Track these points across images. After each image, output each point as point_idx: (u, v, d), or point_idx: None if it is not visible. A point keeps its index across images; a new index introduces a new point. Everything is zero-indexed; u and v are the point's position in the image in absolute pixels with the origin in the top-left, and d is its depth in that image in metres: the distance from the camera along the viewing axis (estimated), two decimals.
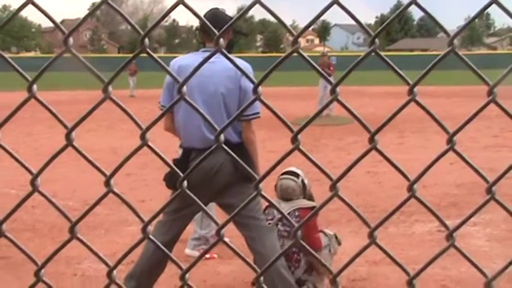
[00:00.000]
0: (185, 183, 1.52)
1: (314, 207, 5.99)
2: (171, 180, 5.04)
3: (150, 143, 1.47)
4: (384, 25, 1.57)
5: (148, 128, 1.46)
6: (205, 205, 5.46)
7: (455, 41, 1.43)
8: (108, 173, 1.50)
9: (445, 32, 1.54)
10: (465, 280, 6.46)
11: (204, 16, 5.32)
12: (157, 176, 11.38)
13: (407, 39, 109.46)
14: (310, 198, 6.26)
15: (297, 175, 6.24)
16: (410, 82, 1.45)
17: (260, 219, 5.30)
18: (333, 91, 1.45)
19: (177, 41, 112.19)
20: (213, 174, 5.12)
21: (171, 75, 1.46)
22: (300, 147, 1.46)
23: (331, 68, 22.70)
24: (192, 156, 5.09)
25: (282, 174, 6.25)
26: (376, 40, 1.42)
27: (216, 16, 5.27)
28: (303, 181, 6.23)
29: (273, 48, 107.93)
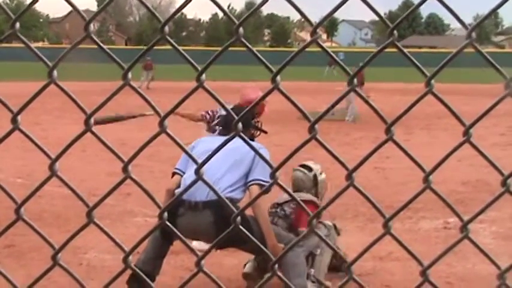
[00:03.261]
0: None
1: (312, 201, 6.03)
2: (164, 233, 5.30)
3: (168, 130, 1.47)
4: (404, 15, 1.57)
5: (166, 116, 1.46)
6: None
7: (473, 34, 1.42)
8: (125, 159, 1.50)
9: (463, 24, 1.53)
10: (470, 277, 6.46)
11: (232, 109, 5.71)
12: (164, 168, 11.40)
13: (416, 36, 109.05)
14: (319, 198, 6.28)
15: (309, 169, 6.25)
16: (428, 74, 1.44)
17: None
18: (350, 82, 1.45)
19: (184, 33, 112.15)
20: (199, 232, 5.26)
21: (192, 66, 1.46)
22: (317, 136, 1.45)
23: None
24: (181, 211, 5.20)
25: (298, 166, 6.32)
26: (395, 32, 1.42)
27: (240, 110, 5.54)
28: (315, 175, 6.25)
29: (280, 42, 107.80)
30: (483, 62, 1.48)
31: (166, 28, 1.41)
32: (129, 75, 1.45)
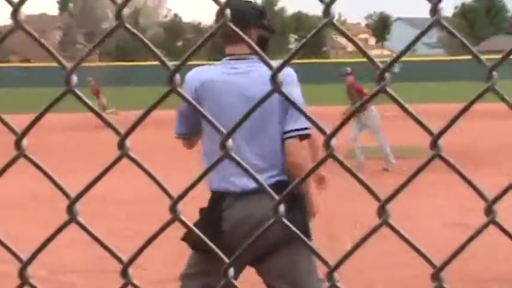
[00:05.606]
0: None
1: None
2: (195, 240, 4.63)
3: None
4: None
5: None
6: (244, 267, 5.07)
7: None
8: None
9: None
10: None
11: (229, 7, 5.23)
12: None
13: (501, 37, 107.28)
14: None
15: None
16: None
17: None
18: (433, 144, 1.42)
19: (179, 43, 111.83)
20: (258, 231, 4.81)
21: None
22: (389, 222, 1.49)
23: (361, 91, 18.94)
24: (227, 202, 4.89)
25: None
26: (494, 74, 1.37)
27: (238, 9, 4.93)
28: None
29: (312, 51, 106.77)
30: None
31: (177, 77, 1.38)
32: (24, 144, 1.41)
